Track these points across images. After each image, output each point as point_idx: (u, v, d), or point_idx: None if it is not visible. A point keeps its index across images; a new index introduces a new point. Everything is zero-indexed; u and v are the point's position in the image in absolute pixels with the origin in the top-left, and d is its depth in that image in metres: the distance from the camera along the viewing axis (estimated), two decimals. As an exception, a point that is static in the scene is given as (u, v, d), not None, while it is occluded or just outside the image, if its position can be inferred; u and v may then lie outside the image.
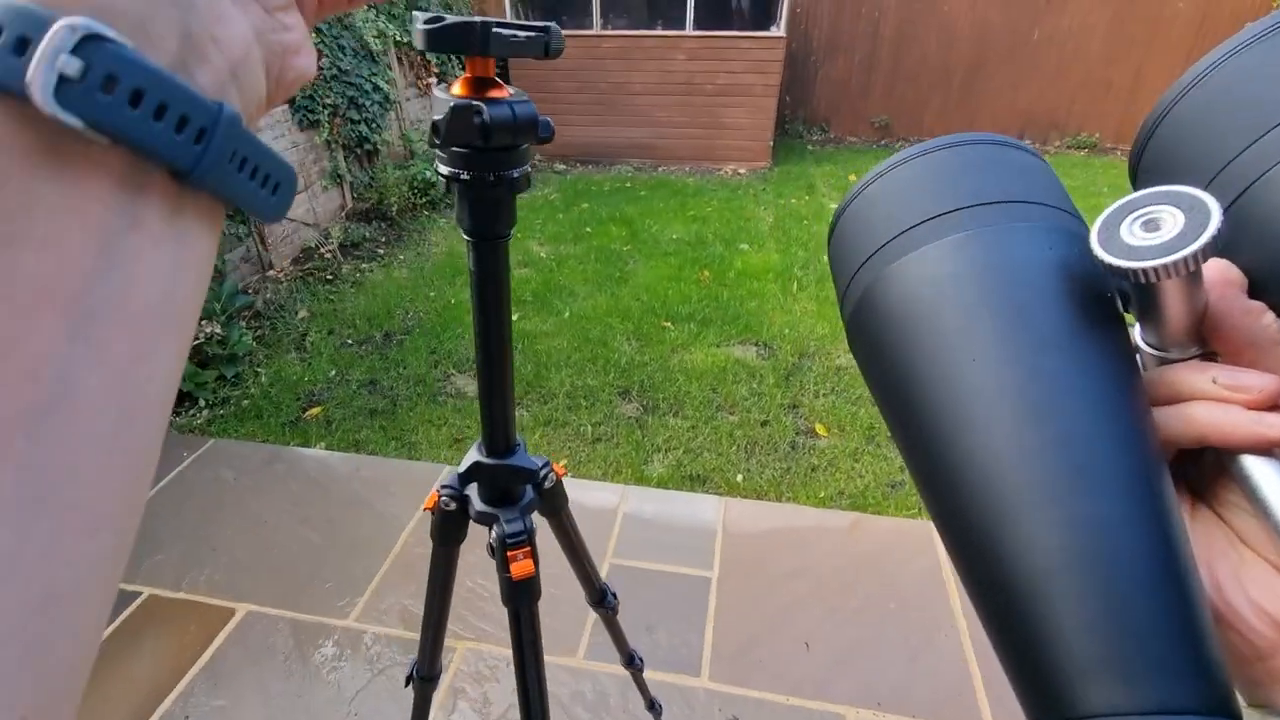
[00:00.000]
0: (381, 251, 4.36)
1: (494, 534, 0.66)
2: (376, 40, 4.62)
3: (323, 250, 4.17)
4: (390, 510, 2.13)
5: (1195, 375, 0.24)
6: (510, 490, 0.69)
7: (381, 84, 4.65)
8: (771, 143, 6.42)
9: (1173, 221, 0.21)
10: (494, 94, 0.42)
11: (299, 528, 2.06)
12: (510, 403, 0.61)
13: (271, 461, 2.35)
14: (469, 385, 2.98)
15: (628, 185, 5.98)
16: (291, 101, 3.93)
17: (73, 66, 0.15)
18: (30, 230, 0.15)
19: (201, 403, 2.80)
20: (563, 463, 2.44)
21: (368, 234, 4.47)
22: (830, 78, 7.46)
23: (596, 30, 6.13)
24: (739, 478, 2.39)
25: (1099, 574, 0.20)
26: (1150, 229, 0.22)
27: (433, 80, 5.45)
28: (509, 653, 0.84)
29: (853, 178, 5.72)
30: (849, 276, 0.29)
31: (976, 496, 0.22)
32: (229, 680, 1.63)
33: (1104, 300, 0.25)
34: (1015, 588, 0.21)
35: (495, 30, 0.37)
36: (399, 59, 5.05)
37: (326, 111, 4.16)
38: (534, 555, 0.67)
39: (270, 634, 1.73)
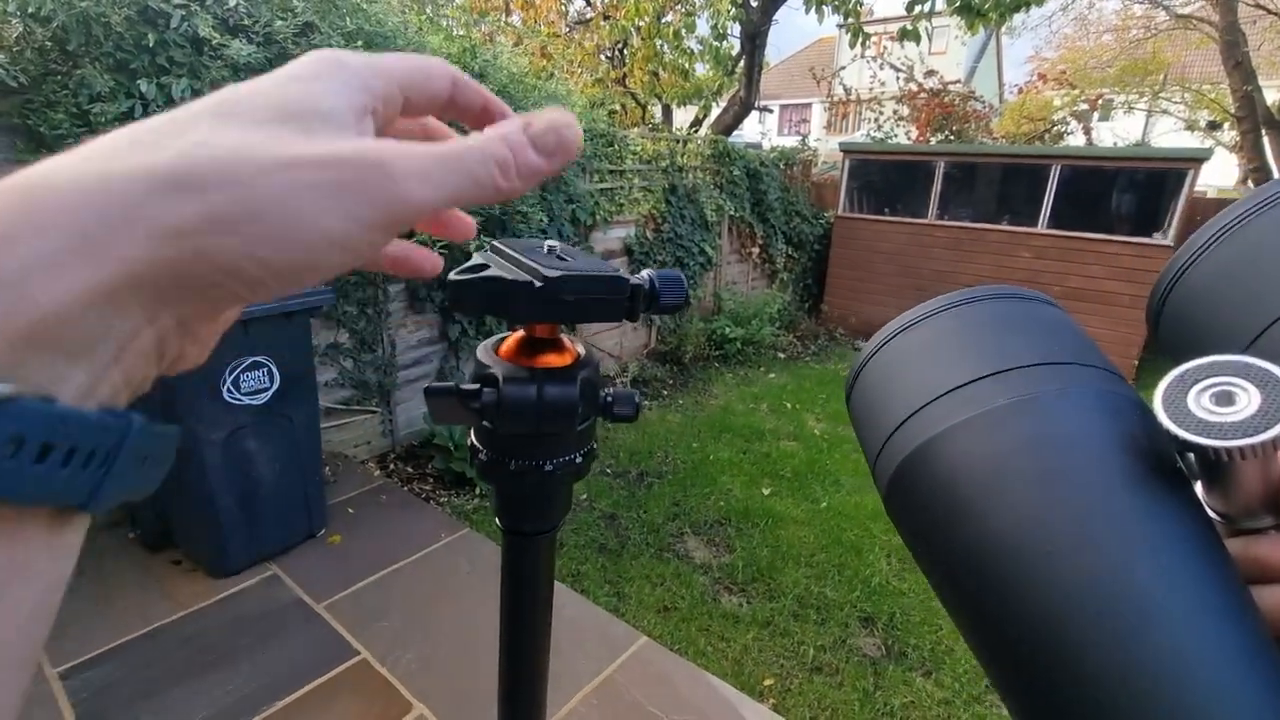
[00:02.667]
0: (665, 393, 4.63)
1: None
2: (714, 213, 5.22)
3: (617, 381, 4.60)
4: (574, 665, 2.02)
5: None
6: None
7: (708, 249, 5.18)
8: (1138, 361, 5.27)
9: (1247, 397, 0.20)
10: (548, 360, 0.31)
11: (493, 647, 2.07)
12: None
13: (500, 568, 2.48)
14: (698, 550, 2.83)
15: (933, 376, 5.45)
16: (630, 253, 4.59)
17: None
18: None
19: (477, 490, 3.17)
20: (767, 683, 2.09)
21: (658, 374, 4.82)
22: (1238, 297, 5.95)
23: (930, 220, 6.01)
24: (1001, 809, 1.71)
25: None
26: (1223, 403, 0.21)
27: (755, 250, 5.90)
28: None
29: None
30: (882, 438, 0.27)
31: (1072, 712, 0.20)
32: (377, 783, 1.63)
33: (1173, 471, 0.22)
34: None
35: (538, 289, 0.26)
36: (729, 229, 5.60)
37: (655, 264, 4.75)
38: None
39: (426, 751, 1.71)
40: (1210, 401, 0.21)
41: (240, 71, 2.34)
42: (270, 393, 2.24)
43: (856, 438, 0.30)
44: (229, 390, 2.14)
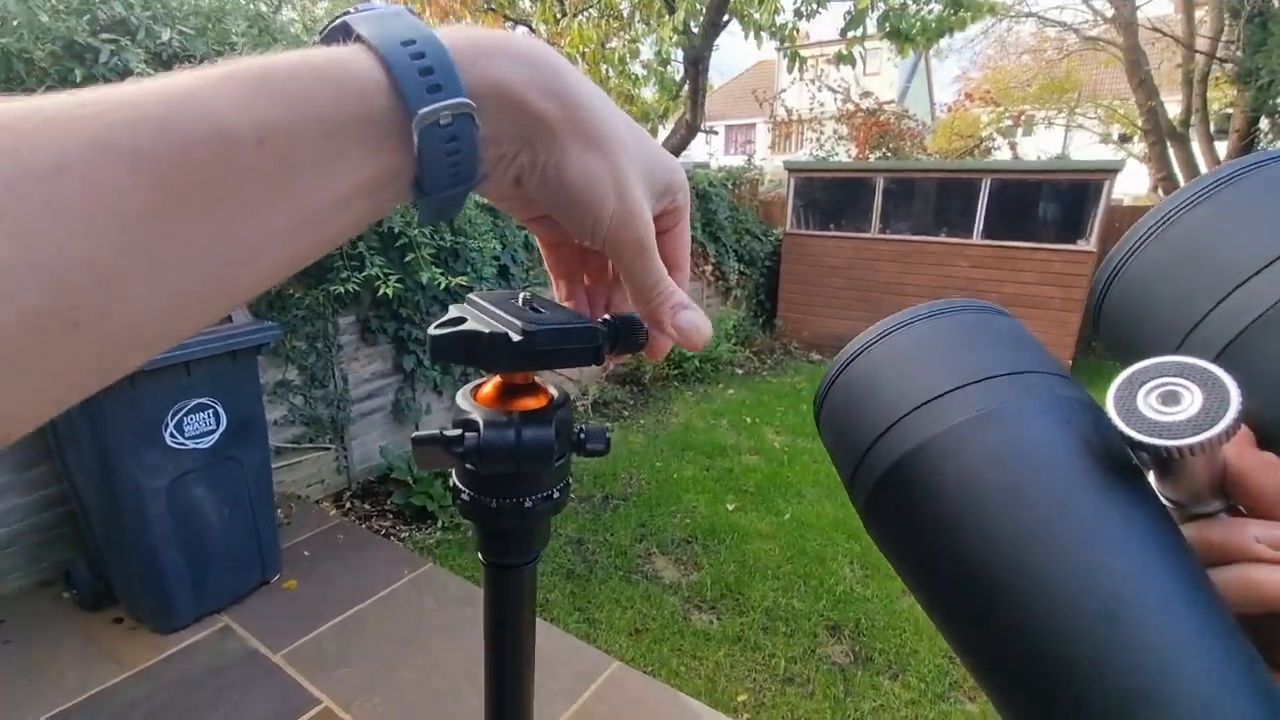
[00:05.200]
0: (626, 414, 4.64)
1: None
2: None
3: (577, 404, 4.59)
4: (548, 695, 1.99)
5: (1235, 533, 0.24)
6: None
7: (662, 269, 5.24)
8: (1071, 362, 5.56)
9: (1191, 396, 0.22)
10: (524, 403, 0.32)
11: (462, 686, 2.02)
12: None
13: (467, 602, 2.43)
14: (667, 570, 2.83)
15: (884, 384, 5.62)
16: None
17: (446, 118, 0.23)
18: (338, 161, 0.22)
19: (439, 523, 3.10)
20: (741, 698, 2.10)
21: (619, 395, 4.83)
22: (1157, 297, 6.37)
23: (874, 234, 6.24)
24: (972, 806, 1.75)
25: None
26: (1169, 403, 0.22)
27: (708, 268, 6.00)
28: None
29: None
30: (854, 462, 0.28)
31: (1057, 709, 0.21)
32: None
33: (1128, 468, 0.24)
34: None
35: (514, 342, 0.28)
36: (683, 249, 5.69)
37: (611, 288, 4.79)
38: None
39: (396, 800, 1.65)
40: (1157, 401, 0.22)
41: (176, 106, 2.28)
42: (217, 435, 2.16)
43: (831, 461, 0.31)
44: (172, 434, 2.05)
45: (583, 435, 0.35)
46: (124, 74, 2.22)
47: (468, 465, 0.32)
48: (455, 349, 0.29)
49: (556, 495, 0.35)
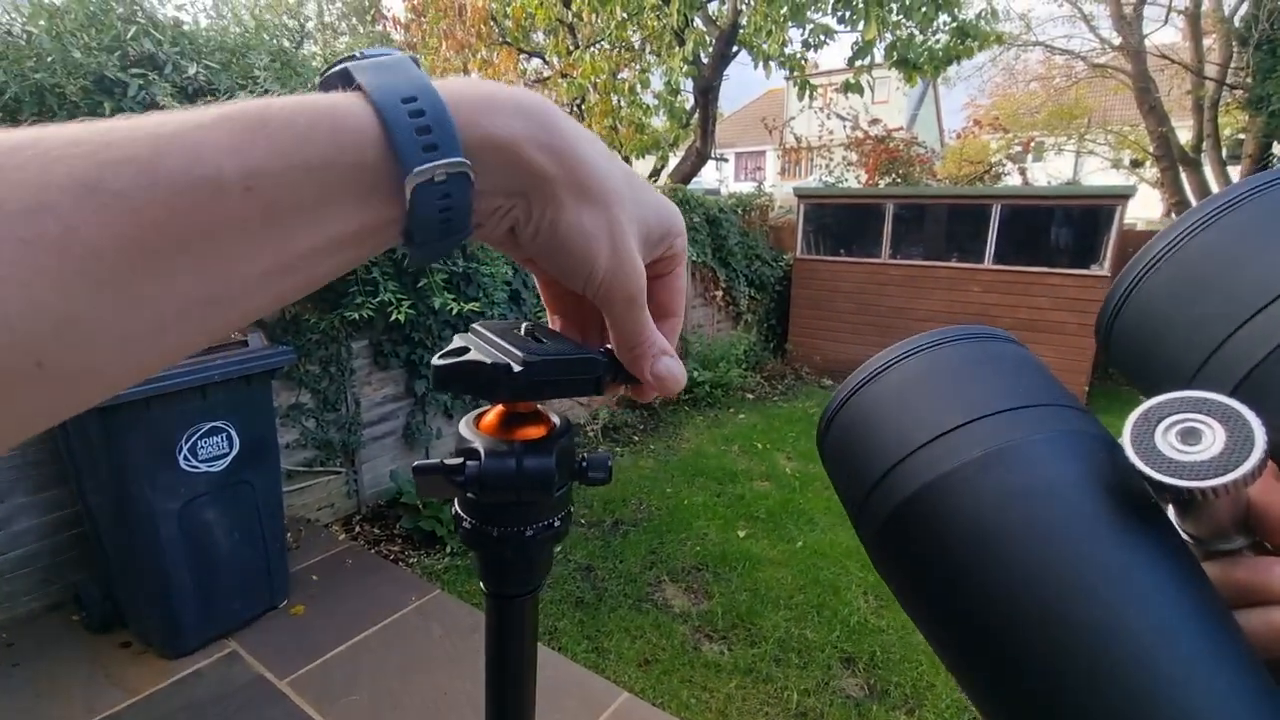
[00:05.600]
0: (636, 438, 4.62)
1: None
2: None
3: (587, 429, 4.58)
4: (555, 727, 1.95)
5: (1263, 575, 0.23)
6: None
7: (673, 294, 5.27)
8: (1087, 388, 5.48)
9: (1212, 434, 0.21)
10: (526, 432, 0.33)
11: (467, 716, 1.99)
12: None
13: (474, 630, 2.40)
14: (677, 598, 2.79)
15: (897, 410, 5.57)
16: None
17: (440, 176, 0.23)
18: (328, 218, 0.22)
19: (448, 548, 3.08)
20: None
21: (629, 420, 4.82)
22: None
23: (884, 259, 6.24)
24: None
25: None
26: (1190, 441, 0.21)
27: (718, 293, 6.02)
28: None
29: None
30: (860, 497, 0.28)
31: None
32: None
33: (1146, 506, 0.23)
34: None
35: (516, 372, 0.28)
36: (692, 274, 5.72)
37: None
38: None
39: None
40: (1177, 439, 0.21)
41: (200, 137, 2.35)
42: (230, 458, 2.18)
43: (835, 492, 0.31)
44: (185, 457, 2.07)
45: (585, 464, 0.35)
46: (150, 107, 2.30)
47: (469, 494, 0.32)
48: (458, 379, 0.30)
49: (558, 524, 0.35)
